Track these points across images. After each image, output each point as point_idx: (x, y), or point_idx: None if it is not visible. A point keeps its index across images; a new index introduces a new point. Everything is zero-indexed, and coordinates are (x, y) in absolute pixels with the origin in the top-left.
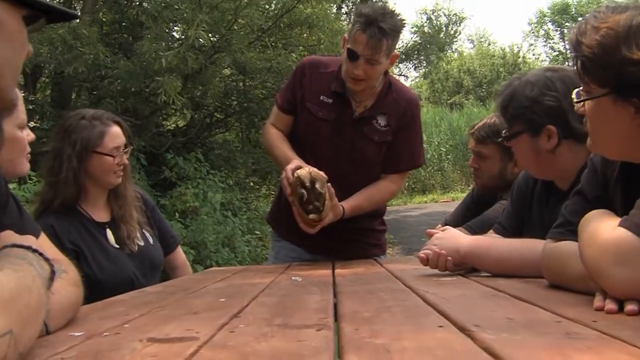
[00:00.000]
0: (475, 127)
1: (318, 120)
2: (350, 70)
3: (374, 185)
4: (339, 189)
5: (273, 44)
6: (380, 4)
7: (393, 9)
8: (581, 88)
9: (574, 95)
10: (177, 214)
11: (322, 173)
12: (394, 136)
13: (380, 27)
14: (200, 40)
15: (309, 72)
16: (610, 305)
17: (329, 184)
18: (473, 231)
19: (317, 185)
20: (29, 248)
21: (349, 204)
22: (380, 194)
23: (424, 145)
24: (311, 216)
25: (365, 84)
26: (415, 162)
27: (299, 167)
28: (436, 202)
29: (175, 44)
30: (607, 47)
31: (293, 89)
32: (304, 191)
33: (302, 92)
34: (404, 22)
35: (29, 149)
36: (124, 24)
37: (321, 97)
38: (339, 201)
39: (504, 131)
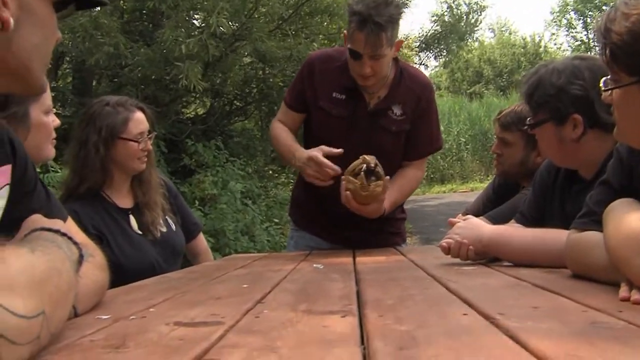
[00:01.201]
0: (502, 114)
1: (332, 118)
2: (357, 69)
3: (402, 176)
4: None
5: (294, 32)
6: None
7: None
8: (609, 77)
9: (601, 84)
10: (196, 202)
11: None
12: (411, 124)
13: (376, 21)
14: (221, 28)
15: (319, 68)
16: (637, 295)
17: (387, 177)
18: (494, 221)
19: (378, 169)
20: (57, 231)
21: (387, 202)
22: (410, 184)
23: (443, 135)
24: (364, 181)
25: (374, 79)
26: (435, 145)
27: (323, 154)
28: (455, 192)
29: (196, 32)
30: (637, 35)
31: (302, 86)
32: (364, 165)
33: (314, 91)
34: (400, 7)
35: (54, 134)
36: (144, 11)
37: (333, 94)
38: None
39: (528, 119)
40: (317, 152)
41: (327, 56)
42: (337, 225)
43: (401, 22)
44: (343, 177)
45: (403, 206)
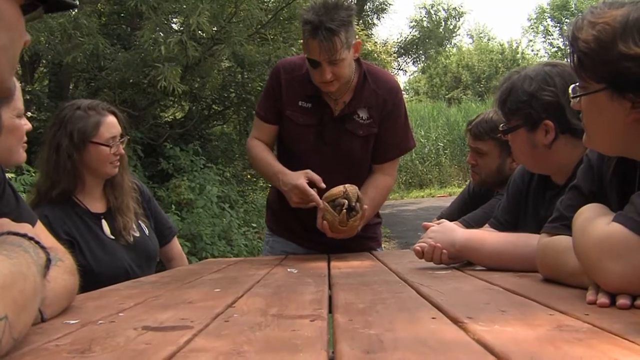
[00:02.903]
0: (473, 123)
1: (300, 127)
2: (317, 77)
3: (373, 187)
4: (330, 187)
5: (272, 37)
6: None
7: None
8: (577, 84)
9: (570, 91)
10: (173, 206)
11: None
12: (379, 127)
13: (328, 27)
14: (201, 30)
15: (284, 77)
16: (603, 299)
17: (365, 207)
18: (469, 225)
19: (359, 203)
20: (24, 235)
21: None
22: (381, 193)
23: (422, 140)
24: (343, 213)
25: (337, 83)
26: (405, 146)
27: (308, 180)
28: (433, 196)
29: (175, 35)
30: (603, 43)
31: (272, 97)
32: (345, 202)
33: (282, 101)
34: (351, 9)
35: (25, 138)
36: (122, 15)
37: (300, 103)
38: None
39: (501, 125)
40: (303, 180)
41: (292, 65)
42: (312, 231)
43: (354, 23)
44: (321, 203)
45: (378, 210)
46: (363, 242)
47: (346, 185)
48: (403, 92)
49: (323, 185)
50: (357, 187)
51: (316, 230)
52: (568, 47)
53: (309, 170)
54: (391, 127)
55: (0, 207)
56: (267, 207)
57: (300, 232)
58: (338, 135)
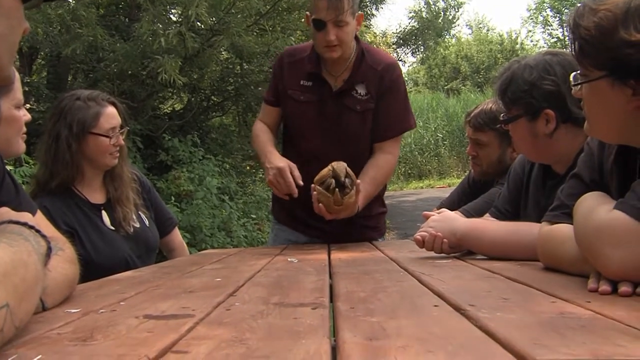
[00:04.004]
0: (472, 115)
1: (301, 104)
2: (322, 39)
3: (373, 166)
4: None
5: (271, 28)
6: None
7: None
8: (578, 71)
9: (571, 78)
10: (172, 198)
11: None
12: (376, 104)
13: None
14: (200, 21)
15: (287, 61)
16: (605, 286)
17: (358, 181)
18: (469, 215)
19: (348, 179)
20: (25, 224)
21: (360, 197)
22: (382, 172)
23: (421, 131)
24: (336, 193)
25: (340, 49)
26: (404, 125)
27: (291, 168)
28: (432, 187)
29: (173, 27)
30: (604, 29)
31: (275, 81)
32: (333, 181)
33: (283, 82)
34: None
35: (25, 129)
36: (120, 6)
37: (301, 82)
38: None
39: (502, 115)
40: (287, 166)
41: (294, 50)
42: (315, 219)
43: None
44: (313, 187)
45: (383, 200)
46: (366, 231)
47: (332, 163)
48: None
49: (301, 183)
50: (345, 164)
51: (320, 217)
52: (569, 35)
53: (294, 165)
54: (389, 104)
55: (0, 197)
56: (273, 198)
57: (305, 220)
58: (338, 111)
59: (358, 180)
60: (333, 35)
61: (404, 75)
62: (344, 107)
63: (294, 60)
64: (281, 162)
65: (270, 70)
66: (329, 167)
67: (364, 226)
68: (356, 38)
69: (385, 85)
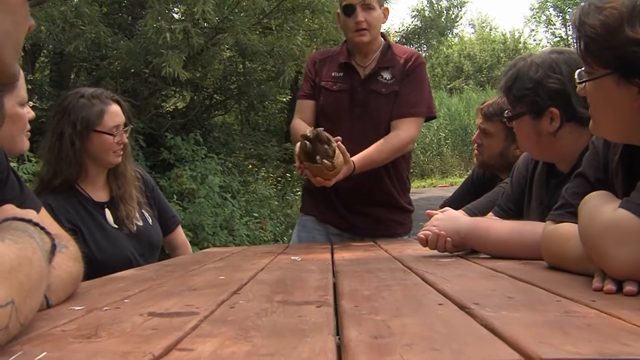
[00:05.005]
0: (486, 104)
1: (335, 93)
2: (352, 23)
3: (383, 138)
4: (362, 149)
5: (277, 27)
6: None
7: None
8: (583, 69)
9: (576, 76)
10: (175, 196)
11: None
12: (399, 85)
13: None
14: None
15: (319, 59)
16: (610, 285)
17: (339, 143)
18: (472, 214)
19: (320, 135)
20: (29, 221)
21: (357, 157)
22: (388, 142)
23: (423, 130)
24: (324, 162)
25: (369, 34)
26: (420, 109)
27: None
28: (435, 186)
29: (177, 24)
30: (610, 27)
31: (310, 77)
32: (307, 143)
33: (318, 76)
34: None
35: (29, 127)
36: (123, 4)
37: (332, 74)
38: None
39: (506, 111)
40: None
41: (324, 51)
42: (346, 208)
43: None
44: (304, 166)
45: (410, 198)
46: (393, 225)
47: (305, 131)
48: None
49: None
50: (318, 129)
51: (350, 206)
52: (574, 33)
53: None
54: (410, 85)
55: (4, 194)
56: (304, 193)
57: (335, 208)
58: (366, 96)
59: (336, 138)
60: (362, 17)
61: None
62: (371, 92)
63: (326, 57)
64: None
65: (274, 68)
66: (301, 137)
67: (393, 221)
68: (382, 35)
69: (409, 68)
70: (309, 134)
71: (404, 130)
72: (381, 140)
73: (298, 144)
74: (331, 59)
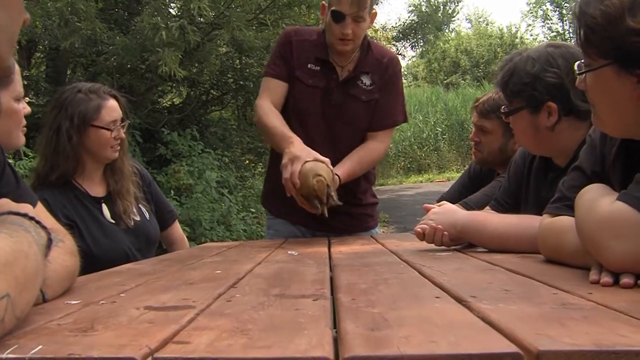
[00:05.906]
0: (480, 101)
1: (308, 88)
2: (338, 31)
3: (362, 148)
4: (333, 152)
5: (273, 22)
6: None
7: None
8: (582, 60)
9: (575, 67)
10: (172, 192)
11: (331, 168)
12: (379, 93)
13: None
14: (202, 15)
15: (295, 39)
16: (606, 278)
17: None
18: (469, 208)
19: (330, 200)
20: (25, 215)
21: (343, 171)
22: (370, 155)
23: (420, 125)
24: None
25: (352, 44)
26: (400, 118)
27: (304, 163)
28: (431, 181)
29: (175, 20)
30: (610, 17)
31: (283, 56)
32: (317, 202)
33: (292, 61)
34: None
35: (25, 122)
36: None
37: (309, 65)
38: (333, 164)
39: (503, 107)
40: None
41: (302, 30)
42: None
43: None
44: (300, 201)
45: (374, 191)
46: (362, 218)
47: (315, 180)
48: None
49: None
50: (324, 180)
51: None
52: (574, 23)
53: (328, 160)
54: (389, 95)
55: (0, 188)
56: (266, 189)
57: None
58: (343, 99)
59: (326, 160)
60: (349, 30)
61: (403, 70)
62: (349, 96)
63: (303, 40)
64: (301, 152)
65: None
66: (313, 184)
67: (364, 214)
68: None
69: (389, 74)
70: (323, 200)
71: (384, 143)
72: (362, 152)
73: (306, 188)
74: (308, 43)
